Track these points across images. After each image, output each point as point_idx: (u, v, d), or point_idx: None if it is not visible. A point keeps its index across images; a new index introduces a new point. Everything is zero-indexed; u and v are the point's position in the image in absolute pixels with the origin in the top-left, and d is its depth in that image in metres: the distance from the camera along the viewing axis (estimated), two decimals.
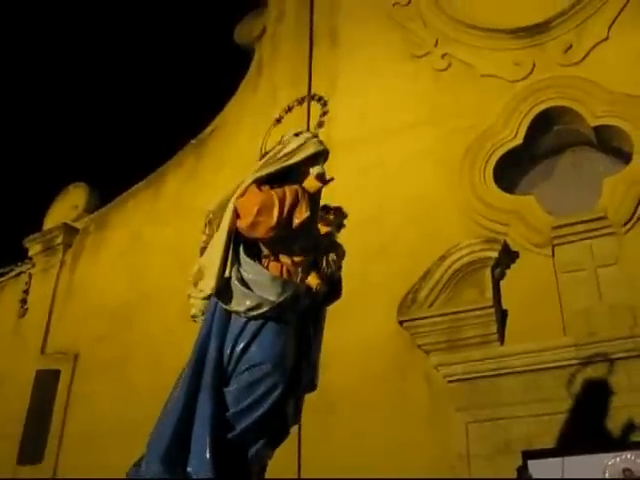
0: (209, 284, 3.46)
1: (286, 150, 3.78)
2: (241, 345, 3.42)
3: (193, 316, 3.81)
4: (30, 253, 10.31)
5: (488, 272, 6.75)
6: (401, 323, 6.89)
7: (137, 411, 7.89)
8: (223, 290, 3.46)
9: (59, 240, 10.13)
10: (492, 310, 6.60)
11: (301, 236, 3.63)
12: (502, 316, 6.68)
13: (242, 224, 3.50)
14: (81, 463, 8.14)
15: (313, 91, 9.08)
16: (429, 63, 8.49)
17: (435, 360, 6.74)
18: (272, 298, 3.41)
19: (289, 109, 4.34)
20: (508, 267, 6.87)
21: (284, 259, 3.59)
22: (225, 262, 3.46)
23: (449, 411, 6.54)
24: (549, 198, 7.18)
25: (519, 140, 7.46)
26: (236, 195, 3.61)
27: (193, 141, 9.91)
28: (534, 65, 7.78)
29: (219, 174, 9.23)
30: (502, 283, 6.84)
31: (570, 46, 7.69)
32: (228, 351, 3.43)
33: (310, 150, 3.79)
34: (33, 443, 8.65)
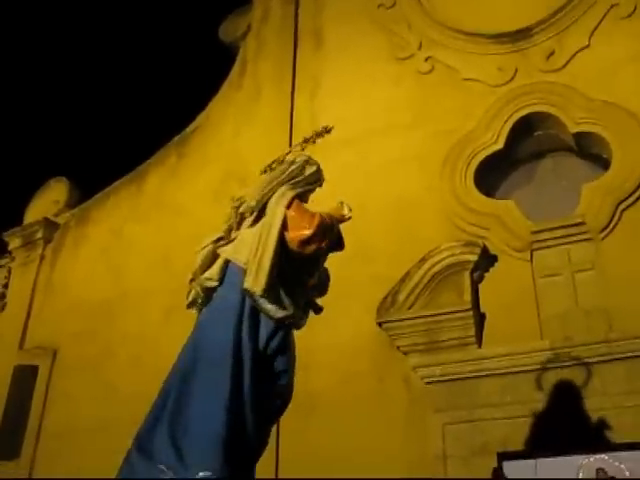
0: (259, 283, 3.41)
1: (307, 173, 3.96)
2: (272, 350, 3.46)
3: (192, 304, 3.78)
4: (10, 247, 10.24)
5: (467, 275, 6.82)
6: (380, 324, 6.95)
7: (116, 409, 7.90)
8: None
9: (39, 235, 10.08)
10: (470, 313, 6.68)
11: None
12: (480, 319, 6.75)
13: (293, 236, 3.55)
14: (58, 460, 8.13)
15: (297, 90, 9.13)
16: (413, 66, 8.54)
17: (413, 361, 6.80)
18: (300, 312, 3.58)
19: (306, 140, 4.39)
20: (487, 270, 6.94)
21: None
22: (275, 266, 3.46)
23: (427, 412, 6.61)
24: (528, 203, 7.25)
25: (500, 145, 7.53)
26: (282, 204, 3.64)
27: (175, 139, 9.90)
28: (516, 70, 7.86)
29: (201, 172, 9.25)
30: (481, 286, 6.91)
31: (552, 52, 7.77)
32: (261, 354, 3.44)
33: (319, 181, 4.07)
34: (10, 439, 8.62)
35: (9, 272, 10.18)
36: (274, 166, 4.13)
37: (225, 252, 3.70)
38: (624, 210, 6.71)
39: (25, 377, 8.98)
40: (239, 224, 3.77)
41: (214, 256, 3.75)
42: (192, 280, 3.79)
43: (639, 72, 7.26)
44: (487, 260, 6.93)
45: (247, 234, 3.67)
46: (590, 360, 6.24)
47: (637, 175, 6.79)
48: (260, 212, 3.72)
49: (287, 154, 4.26)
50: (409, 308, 6.90)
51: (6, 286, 10.08)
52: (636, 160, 6.85)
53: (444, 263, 6.90)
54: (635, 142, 6.94)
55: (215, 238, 3.82)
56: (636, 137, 6.96)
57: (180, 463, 3.19)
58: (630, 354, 6.14)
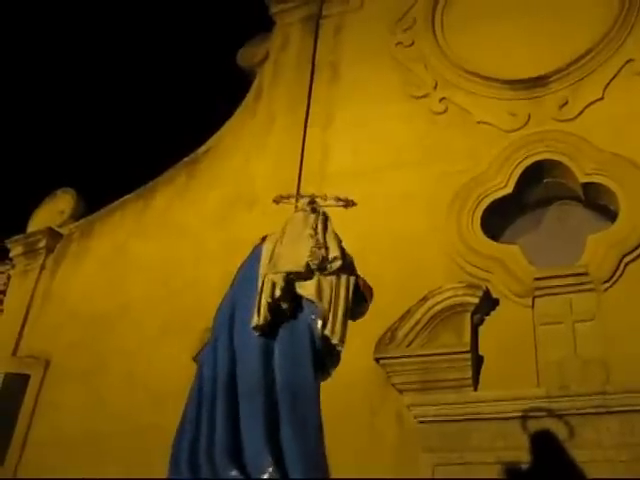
0: (336, 333, 3.80)
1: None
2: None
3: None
4: (11, 254, 10.24)
5: (468, 317, 6.82)
6: (377, 360, 6.93)
7: (105, 424, 7.88)
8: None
9: (42, 244, 10.08)
10: (468, 355, 6.66)
11: None
12: (478, 362, 6.73)
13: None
14: (42, 470, 8.03)
15: (310, 121, 9.19)
16: (426, 105, 8.60)
17: (408, 400, 6.77)
18: None
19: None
20: (487, 314, 6.93)
21: None
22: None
23: (417, 452, 6.56)
24: (533, 249, 7.26)
25: (509, 189, 7.57)
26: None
27: (186, 159, 9.95)
28: (529, 117, 7.92)
29: (209, 194, 9.29)
30: (480, 329, 6.90)
31: (566, 102, 7.84)
32: None
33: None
34: None
35: (8, 279, 10.17)
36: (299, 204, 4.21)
37: (305, 289, 3.82)
38: (628, 263, 6.72)
39: (16, 385, 8.93)
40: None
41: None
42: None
43: None
44: (488, 303, 6.93)
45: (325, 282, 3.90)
46: (585, 411, 6.21)
47: None
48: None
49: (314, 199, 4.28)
50: (407, 346, 6.88)
51: (4, 293, 10.07)
52: None
53: (445, 303, 6.90)
54: None
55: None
56: None
57: None
58: (625, 408, 6.11)
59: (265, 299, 3.71)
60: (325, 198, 4.35)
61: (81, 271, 9.76)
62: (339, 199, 4.36)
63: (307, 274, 3.83)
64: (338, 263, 3.94)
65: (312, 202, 4.26)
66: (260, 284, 3.74)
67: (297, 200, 4.34)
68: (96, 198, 10.62)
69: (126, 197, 10.06)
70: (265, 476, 3.32)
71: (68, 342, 8.99)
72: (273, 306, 3.70)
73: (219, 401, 3.53)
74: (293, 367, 3.69)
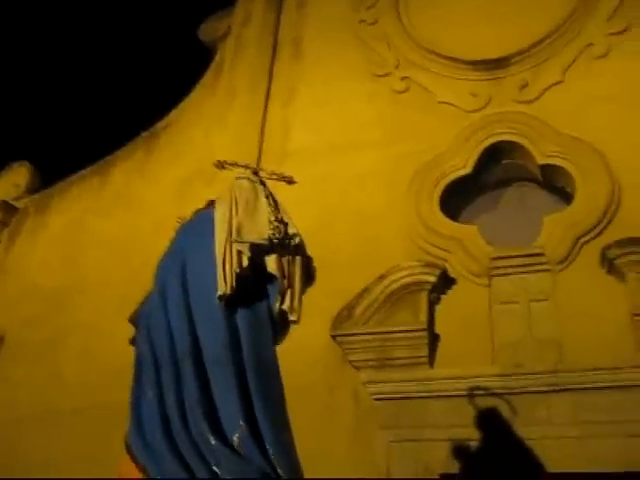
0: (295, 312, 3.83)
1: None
2: None
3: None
4: None
5: (425, 295, 6.86)
6: (334, 337, 6.95)
7: (62, 400, 7.81)
8: None
9: None
10: (425, 333, 6.71)
11: None
12: (434, 340, 6.78)
13: None
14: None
15: (271, 98, 9.13)
16: (388, 84, 8.60)
17: (364, 377, 6.80)
18: None
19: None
20: (444, 293, 6.99)
21: None
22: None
23: (373, 429, 6.61)
24: (491, 229, 7.33)
25: (468, 169, 7.62)
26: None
27: (145, 134, 9.83)
28: (490, 98, 7.96)
29: (168, 171, 9.19)
30: (437, 308, 6.95)
31: (526, 84, 7.89)
32: None
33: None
34: None
35: None
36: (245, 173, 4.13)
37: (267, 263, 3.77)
38: (583, 245, 6.81)
39: None
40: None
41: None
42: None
43: (609, 111, 7.40)
44: (446, 282, 6.99)
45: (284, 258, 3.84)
46: (538, 389, 6.31)
47: (598, 211, 6.91)
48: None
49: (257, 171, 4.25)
50: (364, 323, 6.92)
51: None
52: (598, 197, 6.98)
53: (403, 282, 6.94)
54: (599, 179, 7.07)
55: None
56: (600, 174, 7.09)
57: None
58: (577, 386, 6.23)
59: (233, 268, 3.63)
60: (268, 172, 4.31)
61: (37, 246, 9.62)
62: (283, 176, 4.31)
63: (269, 247, 3.79)
64: (297, 239, 3.87)
65: (256, 173, 4.20)
66: (222, 252, 3.67)
67: (238, 166, 4.28)
68: (53, 172, 10.46)
69: (83, 171, 9.92)
70: (236, 435, 3.29)
71: (23, 318, 8.86)
72: (240, 276, 3.66)
73: (185, 365, 3.46)
74: (256, 340, 3.63)
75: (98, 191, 9.64)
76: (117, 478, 3.49)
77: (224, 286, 3.56)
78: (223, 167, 4.31)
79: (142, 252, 8.59)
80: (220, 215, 3.77)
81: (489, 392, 6.38)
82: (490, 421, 6.32)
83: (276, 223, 3.83)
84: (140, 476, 3.27)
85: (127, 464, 3.39)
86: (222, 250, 3.64)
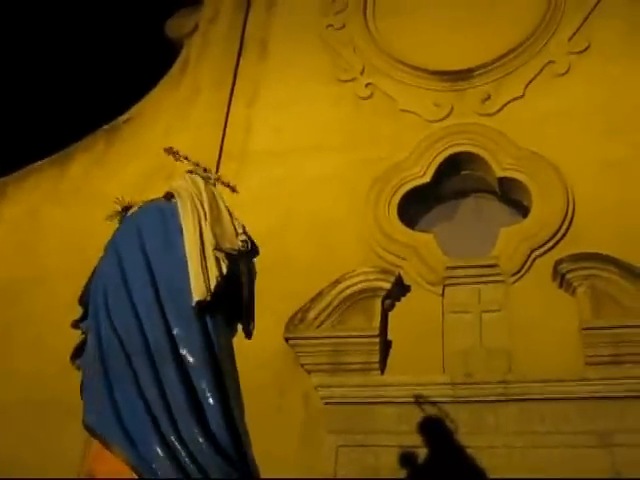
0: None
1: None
2: None
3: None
4: None
5: (378, 302, 6.91)
6: (287, 340, 6.96)
7: (10, 393, 7.65)
8: None
9: None
10: (377, 339, 6.75)
11: None
12: (386, 346, 6.83)
13: None
14: None
15: (235, 97, 9.10)
16: (352, 89, 8.64)
17: (315, 381, 6.82)
18: None
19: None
20: (398, 300, 7.04)
21: None
22: None
23: (322, 432, 6.63)
24: (447, 239, 7.41)
25: (427, 178, 7.69)
26: None
27: (106, 126, 9.72)
28: (452, 109, 8.05)
29: (128, 164, 9.09)
30: (390, 314, 7.00)
31: (488, 97, 7.99)
32: None
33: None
34: None
35: None
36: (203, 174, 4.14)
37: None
38: (536, 258, 6.93)
39: None
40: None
41: None
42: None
43: (567, 128, 7.54)
44: (400, 289, 7.04)
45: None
46: (486, 398, 6.41)
47: (552, 226, 7.04)
48: None
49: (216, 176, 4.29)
50: (318, 327, 6.93)
51: None
52: (553, 211, 7.11)
53: (357, 287, 6.97)
54: (554, 194, 7.20)
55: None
56: (556, 189, 7.22)
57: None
58: (525, 396, 6.34)
59: (214, 275, 3.62)
60: (215, 175, 4.32)
61: None
62: (228, 184, 4.32)
63: (237, 257, 3.83)
64: (248, 247, 3.94)
65: (206, 171, 4.21)
66: (198, 258, 3.67)
67: (188, 162, 4.29)
68: (9, 161, 10.26)
69: (42, 162, 9.75)
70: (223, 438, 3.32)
71: None
72: (219, 284, 3.65)
73: (166, 363, 3.40)
74: (226, 343, 3.72)
75: (56, 182, 9.49)
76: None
77: (204, 292, 3.56)
78: (174, 155, 4.31)
79: (99, 245, 8.47)
80: (189, 220, 3.77)
81: (439, 400, 6.44)
82: (439, 429, 6.39)
83: (243, 235, 3.89)
84: (118, 461, 3.22)
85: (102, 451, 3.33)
86: (197, 256, 3.64)
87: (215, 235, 3.74)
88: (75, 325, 3.98)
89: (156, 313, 3.55)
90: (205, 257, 3.66)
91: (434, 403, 6.41)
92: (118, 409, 3.35)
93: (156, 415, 3.30)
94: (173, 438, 3.25)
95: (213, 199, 3.95)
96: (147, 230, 3.86)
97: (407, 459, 6.31)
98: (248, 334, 3.97)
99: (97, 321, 3.67)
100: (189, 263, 3.63)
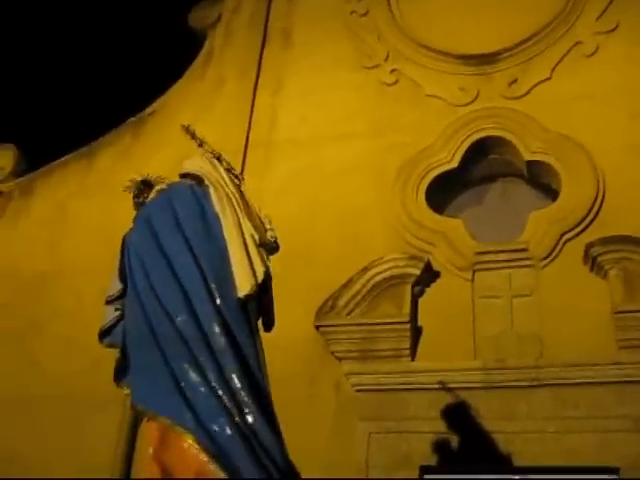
0: None
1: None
2: None
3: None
4: None
5: (408, 288, 6.89)
6: (318, 328, 6.96)
7: (40, 388, 7.72)
8: None
9: None
10: (407, 326, 6.73)
11: None
12: (416, 333, 6.81)
13: None
14: None
15: (259, 87, 9.10)
16: (377, 76, 8.59)
17: (346, 368, 6.82)
18: None
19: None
20: (428, 286, 7.01)
21: None
22: None
23: (354, 420, 6.63)
24: (476, 224, 7.36)
25: (454, 164, 7.63)
26: None
27: (131, 119, 9.76)
28: (478, 93, 7.97)
29: (154, 157, 9.11)
30: (420, 301, 6.98)
31: (515, 80, 7.91)
32: None
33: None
34: None
35: None
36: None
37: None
38: (567, 241, 6.87)
39: None
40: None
41: None
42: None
43: (595, 109, 7.45)
44: (429, 275, 7.01)
45: None
46: (518, 384, 6.37)
47: (583, 209, 6.97)
48: None
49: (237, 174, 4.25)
50: (348, 314, 6.93)
51: None
52: (583, 194, 7.03)
53: (387, 274, 6.95)
54: (584, 176, 7.12)
55: None
56: (586, 171, 7.14)
57: None
58: (557, 381, 6.29)
59: (261, 271, 3.66)
60: (226, 163, 4.30)
61: (19, 230, 9.51)
62: (236, 174, 4.28)
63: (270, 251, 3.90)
64: (277, 244, 4.02)
65: (219, 159, 4.21)
66: (243, 253, 3.69)
67: (202, 145, 4.30)
68: (38, 155, 10.34)
69: (69, 156, 9.81)
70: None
71: (3, 302, 8.73)
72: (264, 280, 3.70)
73: (226, 356, 3.40)
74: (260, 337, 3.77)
75: (83, 176, 9.55)
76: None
77: (252, 287, 3.59)
78: (190, 135, 4.33)
79: None
80: (226, 211, 3.77)
81: (470, 386, 6.41)
82: (471, 414, 6.36)
83: (272, 231, 3.91)
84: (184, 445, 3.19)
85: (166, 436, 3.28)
86: (242, 251, 3.66)
87: (256, 228, 3.77)
88: (111, 301, 3.91)
89: (206, 298, 3.52)
90: (248, 251, 3.68)
91: (471, 388, 6.37)
92: (183, 391, 3.29)
93: (220, 396, 3.28)
94: (238, 419, 3.23)
95: (237, 191, 3.95)
96: (184, 212, 3.82)
97: (439, 445, 6.30)
98: (268, 327, 3.98)
99: (140, 300, 3.60)
100: (233, 256, 3.64)
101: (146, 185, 4.40)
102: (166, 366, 3.37)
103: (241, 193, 3.98)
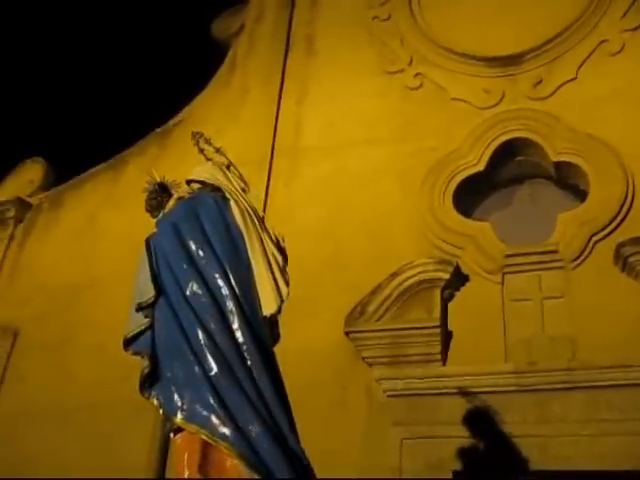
0: None
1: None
2: None
3: None
4: None
5: (438, 292, 6.87)
6: (347, 334, 6.96)
7: (74, 396, 7.83)
8: None
9: (11, 214, 9.91)
10: (438, 330, 6.71)
11: None
12: (447, 337, 6.79)
13: None
14: (10, 443, 8.02)
15: (284, 94, 9.14)
16: (401, 81, 8.58)
17: (377, 373, 6.81)
18: None
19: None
20: (458, 290, 6.98)
21: None
22: None
23: (386, 425, 6.61)
24: (504, 227, 7.32)
25: (481, 166, 7.60)
26: None
27: (158, 130, 9.84)
28: (503, 95, 7.93)
29: (180, 166, 9.01)
30: (450, 305, 6.95)
31: (540, 81, 7.86)
32: None
33: None
34: None
35: None
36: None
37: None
38: (597, 242, 6.80)
39: None
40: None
41: None
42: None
43: (622, 108, 7.38)
44: (459, 279, 6.98)
45: None
46: (551, 387, 6.31)
47: (612, 208, 6.90)
48: None
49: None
50: (377, 320, 6.92)
51: None
52: (612, 194, 6.97)
53: (416, 278, 6.94)
54: (613, 176, 7.05)
55: None
56: (614, 171, 7.07)
57: None
58: (590, 384, 6.22)
59: (285, 293, 3.75)
60: (237, 175, 4.31)
61: (50, 242, 9.64)
62: (242, 187, 4.27)
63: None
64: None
65: (228, 167, 4.24)
66: (268, 271, 3.74)
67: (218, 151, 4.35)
68: (66, 168, 10.47)
69: (97, 168, 9.93)
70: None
71: (37, 313, 8.88)
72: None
73: (259, 365, 3.49)
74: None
75: (111, 187, 9.65)
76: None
77: (276, 307, 3.68)
78: (205, 142, 4.38)
79: None
80: (249, 228, 3.84)
81: (502, 390, 6.37)
82: (502, 418, 6.32)
83: (284, 246, 3.99)
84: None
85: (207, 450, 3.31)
86: (267, 270, 3.74)
87: (278, 248, 3.86)
88: (142, 308, 3.81)
89: (238, 312, 3.58)
90: (272, 270, 3.75)
91: (503, 392, 6.33)
92: (223, 404, 3.31)
93: (257, 409, 3.32)
94: (275, 431, 3.30)
95: (249, 203, 4.01)
96: (209, 224, 3.88)
97: (471, 450, 6.27)
98: (274, 342, 3.94)
99: (174, 310, 3.62)
100: (258, 274, 3.71)
101: (162, 188, 4.43)
102: (204, 378, 3.39)
103: (254, 208, 4.03)
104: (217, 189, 4.07)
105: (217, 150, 4.37)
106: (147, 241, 4.03)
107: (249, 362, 3.44)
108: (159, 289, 3.75)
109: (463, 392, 6.45)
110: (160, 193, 4.42)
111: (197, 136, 4.38)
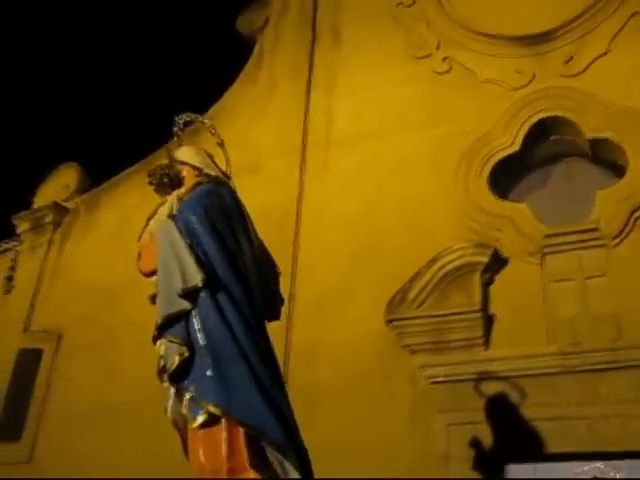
0: None
1: None
2: None
3: None
4: (18, 230, 10.25)
5: (477, 276, 6.80)
6: (388, 322, 6.94)
7: (118, 395, 7.93)
8: None
9: (49, 219, 10.08)
10: (479, 314, 6.67)
11: None
12: (489, 321, 6.72)
13: None
14: (59, 443, 8.17)
15: (313, 86, 9.12)
16: (429, 65, 8.51)
17: (420, 361, 6.78)
18: None
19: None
20: (497, 273, 6.91)
21: None
22: None
23: (431, 412, 6.59)
24: (541, 207, 7.22)
25: (516, 147, 7.50)
26: None
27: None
28: (534, 74, 7.82)
29: None
30: (491, 288, 6.88)
31: (571, 58, 7.73)
32: None
33: None
34: (12, 421, 8.63)
35: (17, 255, 10.19)
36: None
37: None
38: (638, 218, 6.68)
39: (29, 360, 8.99)
40: None
41: None
42: None
43: None
44: (498, 262, 6.91)
45: None
46: (597, 367, 6.22)
47: None
48: None
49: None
50: (418, 307, 6.89)
51: (13, 269, 10.08)
52: None
53: (455, 264, 6.89)
54: None
55: None
56: None
57: None
58: (637, 362, 6.12)
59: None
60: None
61: (88, 244, 9.77)
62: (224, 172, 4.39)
63: None
64: None
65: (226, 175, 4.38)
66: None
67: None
68: (100, 171, 10.59)
69: (130, 169, 10.03)
70: None
71: (79, 315, 9.01)
72: None
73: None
74: None
75: (145, 187, 9.55)
76: None
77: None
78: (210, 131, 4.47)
79: None
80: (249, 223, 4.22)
81: (547, 371, 6.30)
82: (549, 400, 6.25)
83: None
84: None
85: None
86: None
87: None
88: (187, 295, 3.70)
89: (261, 308, 3.87)
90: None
91: (548, 374, 6.26)
92: (273, 401, 3.47)
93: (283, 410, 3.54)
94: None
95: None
96: (235, 216, 4.10)
97: (518, 433, 6.22)
98: None
99: (217, 303, 3.64)
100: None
101: (170, 178, 4.41)
102: (252, 375, 3.49)
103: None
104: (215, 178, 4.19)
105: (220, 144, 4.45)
106: (175, 218, 3.92)
107: (269, 361, 3.74)
108: (205, 272, 3.67)
109: (507, 376, 6.39)
110: (173, 172, 4.41)
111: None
